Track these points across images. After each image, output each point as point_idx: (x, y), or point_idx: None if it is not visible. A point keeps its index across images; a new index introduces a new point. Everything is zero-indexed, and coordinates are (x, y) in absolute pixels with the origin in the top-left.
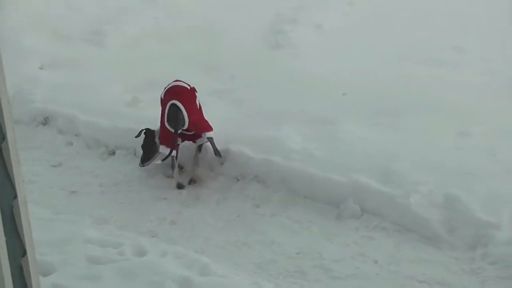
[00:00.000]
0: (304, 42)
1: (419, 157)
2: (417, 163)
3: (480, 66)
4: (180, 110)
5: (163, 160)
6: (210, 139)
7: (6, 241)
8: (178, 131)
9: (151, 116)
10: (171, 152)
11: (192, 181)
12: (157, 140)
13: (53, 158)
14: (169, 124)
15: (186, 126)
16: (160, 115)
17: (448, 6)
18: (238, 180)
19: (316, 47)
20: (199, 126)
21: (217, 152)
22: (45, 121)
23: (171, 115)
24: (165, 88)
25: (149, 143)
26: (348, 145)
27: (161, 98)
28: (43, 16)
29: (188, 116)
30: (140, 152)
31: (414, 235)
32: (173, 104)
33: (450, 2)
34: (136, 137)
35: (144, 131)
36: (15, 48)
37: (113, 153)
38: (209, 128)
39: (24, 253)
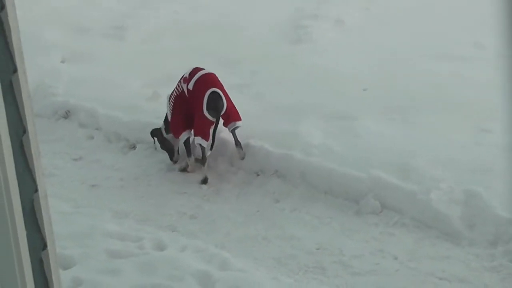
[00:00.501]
0: (324, 37)
1: (438, 153)
2: (436, 159)
3: (499, 62)
4: (221, 97)
5: (207, 152)
6: (233, 131)
7: (27, 235)
8: (219, 119)
9: None
10: (213, 143)
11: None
12: (165, 134)
13: (74, 152)
14: (209, 113)
15: (223, 113)
16: (175, 108)
17: (470, 1)
18: (258, 175)
19: (336, 43)
20: (231, 115)
21: (238, 143)
22: (66, 115)
23: (212, 104)
24: (191, 77)
25: (163, 142)
26: (367, 141)
27: (187, 89)
28: (63, 10)
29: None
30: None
31: (434, 231)
32: (214, 92)
33: None
34: (155, 147)
35: (154, 136)
36: (36, 42)
37: (134, 147)
38: (239, 117)
39: (44, 246)
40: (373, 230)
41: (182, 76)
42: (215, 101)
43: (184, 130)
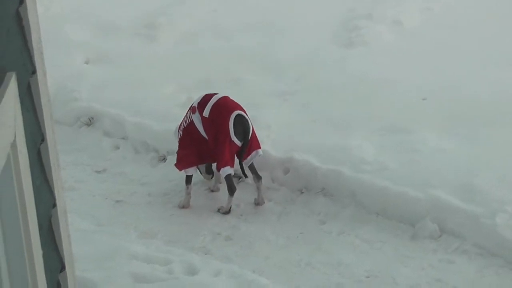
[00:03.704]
0: (379, 40)
1: (507, 172)
2: (504, 179)
3: None
4: (247, 120)
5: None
6: (252, 163)
7: (43, 254)
8: (247, 144)
9: None
10: (243, 171)
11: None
12: None
13: (97, 163)
14: (237, 138)
15: (249, 137)
16: (183, 140)
17: None
18: (302, 192)
19: (393, 46)
20: (253, 143)
21: (259, 177)
22: (90, 122)
23: (240, 127)
24: (203, 105)
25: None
26: (426, 157)
27: (202, 117)
28: (88, 6)
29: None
30: None
31: (499, 260)
32: (239, 115)
33: None
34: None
35: None
36: (59, 40)
37: (164, 159)
38: (259, 145)
39: (62, 268)
40: (430, 257)
41: (190, 106)
42: (242, 124)
43: (191, 166)
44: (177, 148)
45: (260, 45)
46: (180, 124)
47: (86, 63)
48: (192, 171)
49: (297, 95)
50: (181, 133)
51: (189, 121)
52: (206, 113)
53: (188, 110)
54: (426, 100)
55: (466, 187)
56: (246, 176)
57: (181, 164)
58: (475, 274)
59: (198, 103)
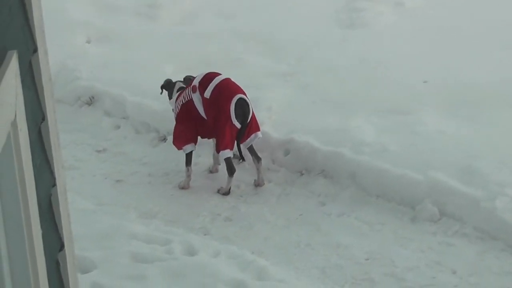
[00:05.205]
0: (380, 21)
1: (507, 155)
2: (504, 162)
3: None
4: (248, 103)
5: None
6: (252, 145)
7: (43, 233)
8: (246, 126)
9: None
10: (240, 153)
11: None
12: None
13: (97, 143)
14: (238, 120)
15: (248, 120)
16: (180, 116)
17: None
18: (302, 174)
19: (394, 28)
20: (253, 125)
21: (259, 158)
22: (90, 101)
23: (240, 110)
24: (205, 85)
25: None
26: (426, 139)
27: (203, 98)
28: None
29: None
30: None
31: (499, 243)
32: (240, 99)
33: None
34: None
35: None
36: (60, 19)
37: (164, 139)
38: (259, 127)
39: (61, 247)
40: (430, 239)
41: (190, 83)
42: (242, 108)
43: (189, 143)
44: (174, 122)
45: (261, 25)
46: (178, 98)
47: (88, 42)
48: (190, 147)
49: (298, 76)
50: (179, 107)
51: (189, 98)
52: (207, 94)
53: (188, 87)
54: (427, 82)
55: (467, 169)
56: (243, 159)
57: (178, 141)
58: (474, 257)
59: (199, 82)
